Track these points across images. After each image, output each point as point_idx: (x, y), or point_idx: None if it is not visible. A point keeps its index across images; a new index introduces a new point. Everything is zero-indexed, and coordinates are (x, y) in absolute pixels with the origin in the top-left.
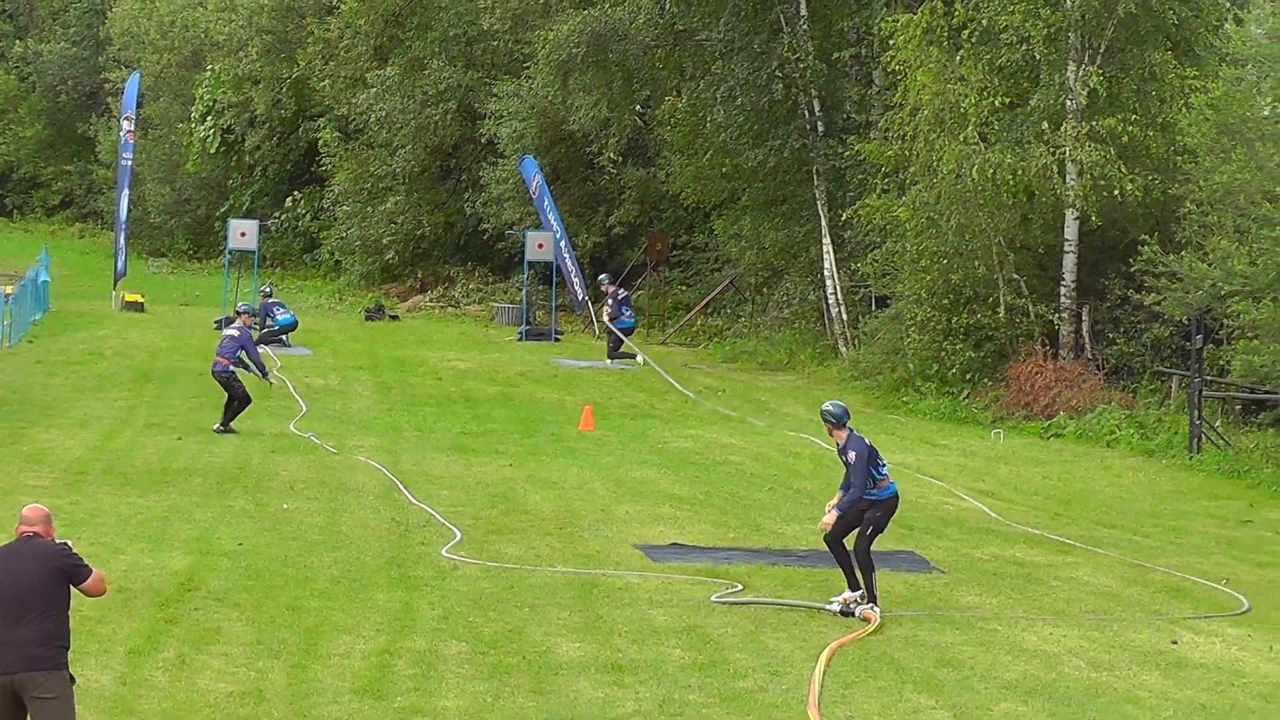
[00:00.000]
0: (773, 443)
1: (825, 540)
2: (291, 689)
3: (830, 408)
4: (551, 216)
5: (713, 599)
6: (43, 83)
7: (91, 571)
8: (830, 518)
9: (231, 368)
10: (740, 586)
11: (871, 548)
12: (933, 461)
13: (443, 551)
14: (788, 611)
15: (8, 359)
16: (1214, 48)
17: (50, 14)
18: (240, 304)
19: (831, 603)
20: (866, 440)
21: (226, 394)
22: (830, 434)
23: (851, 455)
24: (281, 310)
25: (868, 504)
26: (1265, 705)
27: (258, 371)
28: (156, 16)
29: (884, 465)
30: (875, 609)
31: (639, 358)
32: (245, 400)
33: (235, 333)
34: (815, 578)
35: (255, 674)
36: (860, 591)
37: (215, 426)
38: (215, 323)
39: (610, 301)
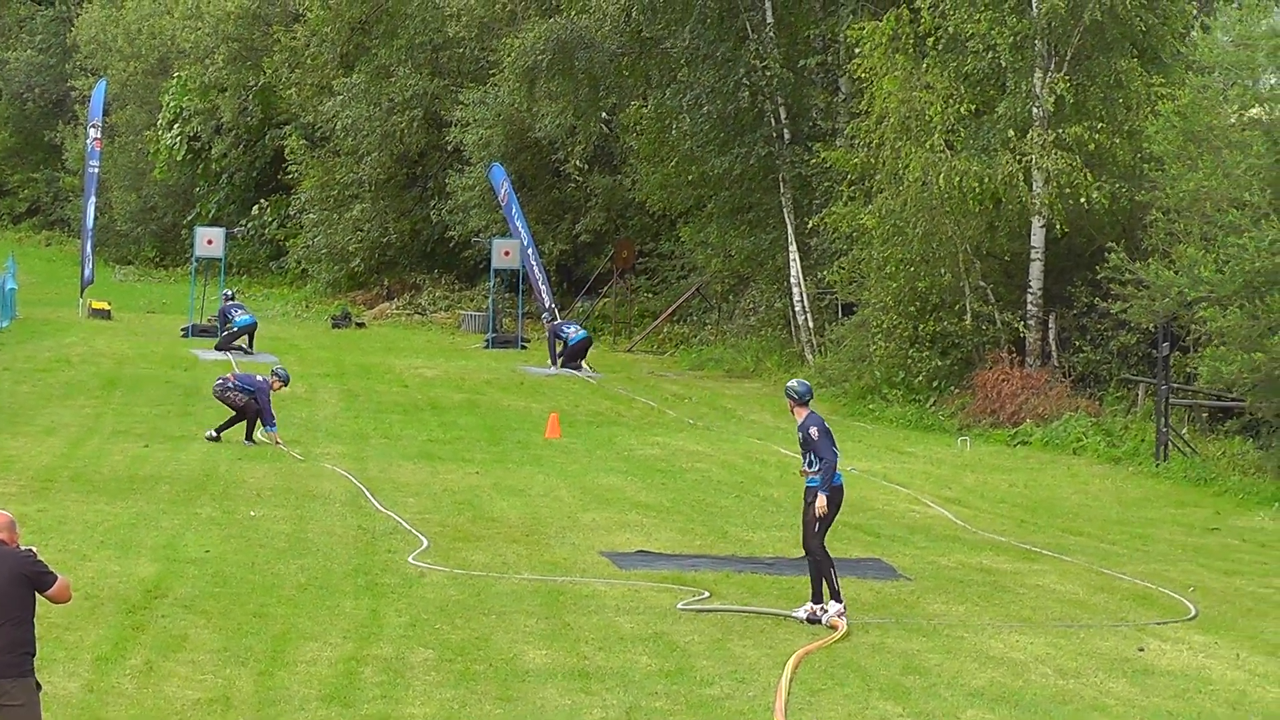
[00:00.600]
0: (739, 450)
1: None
2: (259, 696)
3: (795, 384)
4: (519, 224)
5: (679, 606)
6: (9, 90)
7: (57, 578)
8: (821, 501)
9: (230, 385)
10: (707, 594)
11: (827, 545)
12: (899, 469)
13: (409, 559)
14: (754, 619)
15: None
16: (1181, 55)
17: (17, 22)
18: (278, 367)
19: (798, 610)
20: (824, 420)
21: (232, 410)
22: (791, 411)
23: (813, 430)
24: (240, 311)
25: (815, 494)
26: (1232, 712)
27: (265, 418)
28: (123, 24)
29: (837, 452)
30: (841, 613)
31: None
32: (243, 411)
33: (259, 379)
34: (782, 585)
35: (222, 681)
36: (822, 604)
37: (244, 441)
38: (183, 330)
39: (550, 337)
